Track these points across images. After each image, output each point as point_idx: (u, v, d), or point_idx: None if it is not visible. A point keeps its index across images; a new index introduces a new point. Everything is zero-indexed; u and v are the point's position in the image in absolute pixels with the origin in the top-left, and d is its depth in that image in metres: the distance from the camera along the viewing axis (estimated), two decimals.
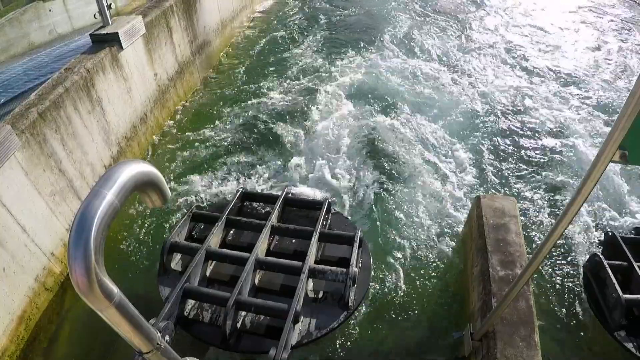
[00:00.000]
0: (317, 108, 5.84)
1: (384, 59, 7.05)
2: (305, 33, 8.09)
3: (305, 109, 5.81)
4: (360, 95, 6.17)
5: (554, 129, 5.68)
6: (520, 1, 9.77)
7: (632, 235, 3.93)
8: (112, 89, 4.24)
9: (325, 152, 5.03)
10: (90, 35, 4.20)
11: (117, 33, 4.24)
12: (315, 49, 7.49)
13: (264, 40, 7.91)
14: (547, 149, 5.33)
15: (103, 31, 4.23)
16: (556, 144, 5.43)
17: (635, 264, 3.38)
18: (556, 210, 4.37)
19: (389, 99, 6.07)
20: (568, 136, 5.54)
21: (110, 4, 4.25)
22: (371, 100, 6.03)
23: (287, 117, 5.61)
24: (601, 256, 3.46)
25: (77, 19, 6.10)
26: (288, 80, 6.55)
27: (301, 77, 6.63)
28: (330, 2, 9.66)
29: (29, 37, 5.82)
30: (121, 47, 4.36)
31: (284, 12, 9.18)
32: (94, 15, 4.21)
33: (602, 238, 3.94)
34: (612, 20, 9.30)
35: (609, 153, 1.63)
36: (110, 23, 4.31)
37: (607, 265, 3.34)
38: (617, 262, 3.46)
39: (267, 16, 9.08)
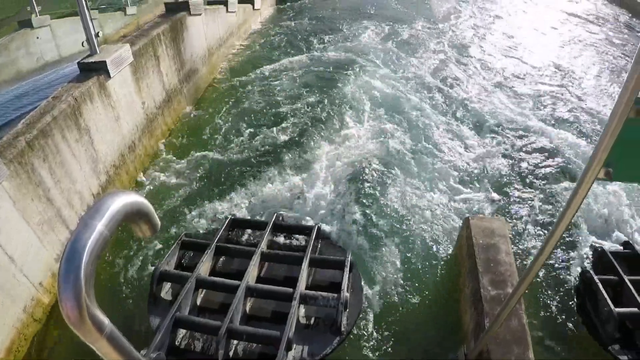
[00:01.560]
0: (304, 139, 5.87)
1: (369, 90, 7.10)
2: (289, 61, 8.17)
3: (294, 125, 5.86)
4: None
5: (543, 147, 5.80)
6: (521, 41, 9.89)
7: (622, 250, 3.98)
8: (100, 117, 4.24)
9: (315, 178, 5.02)
10: (78, 63, 4.23)
11: (104, 61, 4.27)
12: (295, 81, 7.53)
13: (250, 67, 8.02)
14: (536, 167, 5.43)
15: (91, 59, 4.25)
16: (545, 161, 5.53)
17: (626, 278, 3.42)
18: (545, 228, 4.42)
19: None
20: (556, 154, 5.65)
21: (98, 33, 4.28)
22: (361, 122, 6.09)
23: (277, 149, 5.60)
24: (591, 272, 3.51)
25: (65, 46, 6.14)
26: (274, 110, 6.55)
27: (286, 107, 6.66)
28: (313, 30, 9.83)
29: (16, 64, 5.83)
30: (109, 76, 4.38)
31: (269, 39, 9.32)
32: (82, 43, 4.22)
33: (592, 254, 3.99)
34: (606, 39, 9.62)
35: (594, 171, 1.66)
36: (98, 51, 4.34)
37: (598, 281, 3.38)
38: (607, 277, 3.50)
39: (253, 43, 9.19)
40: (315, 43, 8.97)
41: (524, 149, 5.79)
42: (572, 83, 7.80)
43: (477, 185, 5.06)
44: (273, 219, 3.94)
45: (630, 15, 12.76)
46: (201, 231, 4.24)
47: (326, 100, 6.63)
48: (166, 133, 5.84)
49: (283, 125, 6.03)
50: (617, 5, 13.83)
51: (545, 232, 4.34)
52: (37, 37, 6.02)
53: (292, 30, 9.84)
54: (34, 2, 6.29)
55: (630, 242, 4.10)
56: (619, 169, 1.68)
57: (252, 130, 5.96)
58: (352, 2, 12.10)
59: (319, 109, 6.42)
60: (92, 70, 4.22)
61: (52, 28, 6.37)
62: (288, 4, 11.97)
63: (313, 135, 5.79)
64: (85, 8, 3.99)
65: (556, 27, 10.92)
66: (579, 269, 3.88)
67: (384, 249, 4.10)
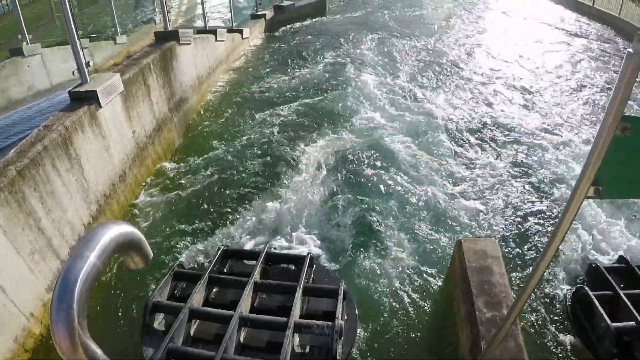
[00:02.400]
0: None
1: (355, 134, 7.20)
2: (278, 91, 8.27)
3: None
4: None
5: (531, 166, 5.93)
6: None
7: (615, 265, 4.04)
8: (90, 146, 4.26)
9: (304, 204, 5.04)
10: (69, 92, 4.28)
11: (95, 91, 4.32)
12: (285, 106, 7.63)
13: (240, 95, 8.12)
14: (525, 186, 5.54)
15: (81, 89, 4.31)
16: (534, 180, 5.64)
17: (621, 292, 3.46)
18: (537, 247, 4.49)
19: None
20: (545, 173, 5.77)
21: (89, 62, 4.34)
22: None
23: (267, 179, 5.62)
24: (586, 288, 3.55)
25: (56, 75, 6.19)
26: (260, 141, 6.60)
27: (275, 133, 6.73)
28: (300, 59, 10.01)
29: (7, 92, 5.86)
30: (99, 105, 4.43)
31: (258, 68, 9.45)
32: (73, 72, 4.27)
33: (587, 270, 4.04)
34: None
35: (583, 189, 1.71)
36: (89, 80, 4.40)
37: (593, 296, 3.42)
38: (603, 292, 3.54)
39: (242, 72, 9.32)
40: (302, 72, 9.11)
41: (511, 168, 5.92)
42: (561, 101, 8.07)
43: (467, 206, 5.12)
44: (265, 249, 3.98)
45: (614, 32, 13.40)
46: (195, 263, 4.24)
47: (312, 121, 6.81)
48: (156, 162, 5.85)
49: (275, 153, 6.09)
50: (600, 22, 14.51)
51: (538, 251, 4.40)
52: (28, 66, 6.08)
53: (280, 58, 10.00)
54: (25, 31, 6.37)
55: (624, 256, 4.17)
56: (607, 186, 1.72)
57: (242, 160, 5.98)
58: (339, 29, 12.39)
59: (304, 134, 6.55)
60: (83, 99, 4.27)
61: (43, 56, 6.44)
62: (276, 32, 12.18)
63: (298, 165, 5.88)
64: (76, 37, 4.06)
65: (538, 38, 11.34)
66: (573, 286, 3.93)
67: (376, 273, 4.11)
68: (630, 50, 1.49)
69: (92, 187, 4.25)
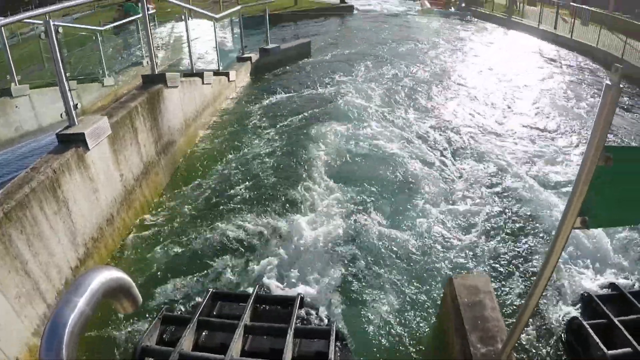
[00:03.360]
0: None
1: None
2: (264, 134, 8.39)
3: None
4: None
5: (518, 199, 6.03)
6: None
7: (609, 292, 4.05)
8: (78, 189, 4.27)
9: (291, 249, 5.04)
10: (57, 134, 4.32)
11: (83, 133, 4.36)
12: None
13: (226, 137, 8.24)
14: (512, 218, 5.66)
15: (69, 131, 4.35)
16: (521, 212, 5.74)
17: (616, 320, 3.47)
18: (528, 280, 4.53)
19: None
20: (533, 205, 5.86)
21: (77, 104, 4.40)
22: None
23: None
24: (580, 318, 3.56)
25: (44, 116, 6.24)
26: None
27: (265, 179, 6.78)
28: (287, 101, 10.20)
29: None
30: (87, 148, 4.46)
31: (244, 111, 9.62)
32: (61, 114, 4.32)
33: (580, 300, 4.05)
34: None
35: (570, 221, 1.78)
36: (77, 123, 4.44)
37: (587, 326, 3.42)
38: (597, 321, 3.55)
39: (229, 115, 9.45)
40: (290, 115, 9.26)
41: (498, 200, 6.08)
42: (544, 131, 8.28)
43: (457, 243, 5.18)
44: (255, 291, 3.98)
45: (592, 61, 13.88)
46: (184, 305, 4.19)
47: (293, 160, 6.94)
48: (144, 205, 5.84)
49: (263, 196, 6.15)
50: (579, 53, 15.06)
51: (529, 284, 4.42)
52: (16, 106, 6.14)
53: (267, 101, 10.20)
54: (14, 71, 6.45)
55: (616, 283, 4.19)
56: (593, 217, 1.79)
57: (232, 203, 6.02)
58: (323, 70, 12.75)
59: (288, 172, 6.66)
60: (71, 141, 4.30)
61: (31, 97, 6.52)
62: (262, 75, 12.45)
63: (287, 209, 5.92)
64: (65, 79, 4.13)
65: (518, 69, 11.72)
66: (567, 317, 3.93)
67: (369, 311, 4.12)
68: (608, 82, 1.58)
69: (79, 230, 4.23)
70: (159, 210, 5.89)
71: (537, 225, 5.49)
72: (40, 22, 4.09)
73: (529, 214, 5.76)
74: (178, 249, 5.07)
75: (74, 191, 4.18)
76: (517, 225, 5.54)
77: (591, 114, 9.42)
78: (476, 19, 24.50)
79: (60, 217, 3.92)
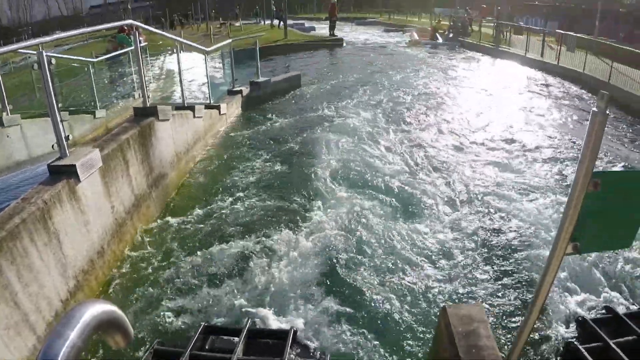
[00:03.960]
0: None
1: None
2: (255, 167, 8.41)
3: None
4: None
5: (508, 225, 6.10)
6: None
7: (604, 315, 4.06)
8: (69, 221, 4.27)
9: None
10: (48, 165, 4.35)
11: (74, 165, 4.39)
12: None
13: (218, 171, 8.29)
14: (505, 246, 5.69)
15: (61, 162, 4.38)
16: (513, 238, 5.80)
17: (611, 342, 3.47)
18: (522, 307, 4.53)
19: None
20: (524, 231, 5.93)
21: (68, 136, 4.45)
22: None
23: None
24: (576, 343, 3.55)
25: (35, 147, 6.28)
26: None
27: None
28: (277, 134, 10.32)
29: None
30: (79, 180, 4.48)
31: (235, 144, 9.70)
32: (52, 145, 4.37)
33: (575, 324, 4.05)
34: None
35: (561, 247, 1.81)
36: (68, 154, 4.48)
37: (583, 350, 3.42)
38: (593, 345, 3.54)
39: (220, 148, 9.53)
40: (280, 147, 9.37)
41: (487, 227, 6.11)
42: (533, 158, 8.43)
43: (449, 272, 5.18)
44: (247, 324, 3.94)
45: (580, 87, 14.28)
46: (174, 340, 4.15)
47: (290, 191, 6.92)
48: (135, 238, 5.84)
49: (256, 228, 6.14)
50: (566, 79, 15.38)
51: (523, 311, 4.43)
52: (8, 136, 6.18)
53: (257, 134, 10.30)
54: (6, 100, 6.51)
55: (610, 306, 4.21)
56: (585, 242, 1.82)
57: (223, 238, 5.97)
58: (313, 101, 13.00)
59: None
60: (62, 173, 4.33)
61: (23, 127, 6.57)
62: (253, 107, 12.59)
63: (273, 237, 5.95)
64: (57, 110, 4.19)
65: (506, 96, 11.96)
66: (562, 342, 3.93)
67: (363, 344, 4.09)
68: (594, 108, 1.63)
69: (70, 262, 4.21)
70: (150, 242, 5.88)
71: (530, 252, 5.51)
72: (34, 52, 4.18)
73: (521, 240, 5.79)
74: (169, 282, 5.03)
75: (65, 223, 4.17)
76: (510, 251, 5.56)
77: (579, 136, 9.61)
78: (464, 49, 25.10)
79: (51, 248, 3.90)
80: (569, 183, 6.98)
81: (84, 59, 10.08)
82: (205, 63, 10.26)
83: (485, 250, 5.65)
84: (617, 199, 1.80)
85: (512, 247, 5.67)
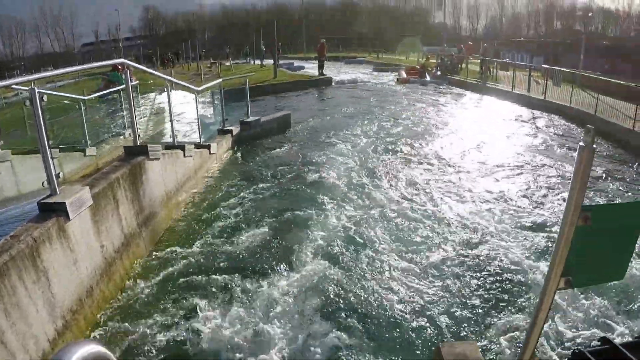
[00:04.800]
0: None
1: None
2: (245, 207, 8.41)
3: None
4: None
5: (498, 258, 6.15)
6: None
7: (600, 346, 4.06)
8: (58, 259, 4.28)
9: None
10: (38, 203, 4.38)
11: (64, 203, 4.43)
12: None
13: (208, 211, 8.28)
14: (496, 282, 5.71)
15: (51, 200, 4.42)
16: (506, 276, 5.82)
17: None
18: (516, 345, 4.51)
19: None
20: (516, 267, 5.97)
21: (59, 173, 4.50)
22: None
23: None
24: None
25: (25, 183, 6.30)
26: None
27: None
28: (268, 173, 10.41)
29: None
30: (68, 218, 4.51)
31: (225, 183, 9.77)
32: (42, 183, 4.42)
33: (571, 356, 4.05)
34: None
35: (554, 282, 1.83)
36: (58, 192, 4.51)
37: None
38: None
39: (210, 187, 9.59)
40: (271, 187, 9.41)
41: (478, 263, 6.15)
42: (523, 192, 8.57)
43: (442, 307, 5.20)
44: None
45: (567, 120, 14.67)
46: None
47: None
48: (125, 278, 5.81)
49: (246, 268, 6.15)
50: (554, 113, 15.78)
51: (518, 347, 4.43)
52: None
53: (248, 174, 10.37)
54: None
55: (607, 337, 4.22)
56: (577, 276, 1.84)
57: (213, 281, 5.92)
58: (302, 140, 13.28)
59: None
60: (52, 210, 4.36)
61: (13, 164, 6.62)
62: (243, 147, 12.71)
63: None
64: (47, 148, 4.26)
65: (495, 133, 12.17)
66: None
67: None
68: (581, 143, 1.67)
69: (58, 301, 4.19)
70: (140, 282, 5.85)
71: (522, 288, 5.55)
72: (26, 88, 4.27)
73: (513, 274, 5.83)
74: (159, 323, 4.98)
75: (54, 261, 4.18)
76: (502, 287, 5.58)
77: (568, 169, 9.81)
78: (452, 86, 25.69)
79: (39, 287, 3.89)
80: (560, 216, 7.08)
81: (75, 96, 10.22)
82: (196, 102, 10.45)
83: (480, 281, 5.69)
84: (608, 232, 1.82)
85: (507, 280, 5.70)
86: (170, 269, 6.21)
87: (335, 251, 6.45)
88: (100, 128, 11.20)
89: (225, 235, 7.24)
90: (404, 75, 29.93)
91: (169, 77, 9.56)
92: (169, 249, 6.80)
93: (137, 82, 14.50)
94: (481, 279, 5.80)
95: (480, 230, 7.10)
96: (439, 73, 29.56)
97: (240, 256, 6.53)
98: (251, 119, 13.65)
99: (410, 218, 7.56)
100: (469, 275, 5.87)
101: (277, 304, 5.26)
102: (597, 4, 73.08)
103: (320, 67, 29.94)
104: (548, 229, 7.01)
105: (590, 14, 62.07)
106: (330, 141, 13.16)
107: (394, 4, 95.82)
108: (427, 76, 29.01)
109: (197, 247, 6.85)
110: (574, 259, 1.76)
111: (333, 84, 27.71)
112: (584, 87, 16.48)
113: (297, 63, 41.61)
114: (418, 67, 31.53)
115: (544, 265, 5.94)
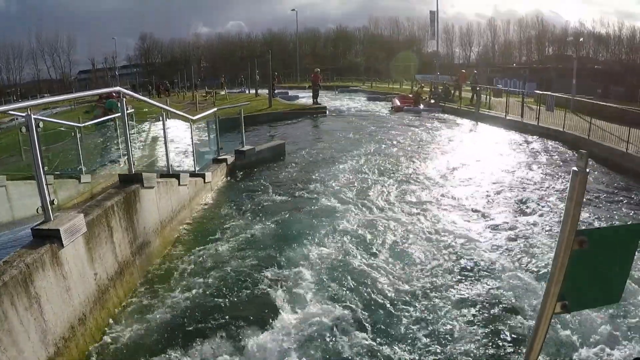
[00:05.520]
0: None
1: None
2: (240, 238, 8.38)
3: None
4: None
5: (495, 286, 6.18)
6: None
7: None
8: (51, 286, 4.28)
9: None
10: (32, 229, 4.42)
11: (58, 230, 4.45)
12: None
13: (202, 240, 8.28)
14: (494, 306, 5.72)
15: (45, 226, 4.44)
16: (502, 300, 5.83)
17: None
18: None
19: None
20: (512, 291, 6.00)
21: (53, 200, 4.54)
22: None
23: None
24: None
25: (19, 209, 6.32)
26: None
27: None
28: (261, 203, 10.44)
29: None
30: (62, 245, 4.53)
31: (220, 212, 9.83)
32: (37, 209, 4.45)
33: None
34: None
35: (550, 307, 1.81)
36: (52, 219, 4.54)
37: None
38: None
39: (205, 216, 9.62)
40: (265, 217, 9.38)
41: (472, 290, 6.16)
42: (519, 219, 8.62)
43: (437, 341, 5.16)
44: None
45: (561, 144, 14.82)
46: None
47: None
48: (118, 306, 5.80)
49: (241, 302, 6.12)
50: (548, 138, 16.03)
51: None
52: None
53: (242, 203, 10.42)
54: None
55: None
56: (573, 300, 1.83)
57: (206, 312, 5.91)
58: (297, 170, 13.31)
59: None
60: (46, 237, 4.38)
61: (8, 189, 6.65)
62: (238, 176, 12.76)
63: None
64: (43, 175, 4.31)
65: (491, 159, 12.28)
66: None
67: None
68: (575, 168, 1.68)
69: (50, 328, 4.17)
70: (133, 311, 5.82)
71: (517, 315, 5.56)
72: (22, 114, 4.35)
73: (508, 300, 5.86)
74: (151, 354, 4.96)
75: (47, 288, 4.18)
76: (497, 313, 5.60)
77: (563, 192, 9.92)
78: (446, 114, 26.01)
79: (32, 313, 3.89)
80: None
81: (71, 123, 10.33)
82: (191, 131, 10.56)
83: (475, 309, 5.69)
84: (603, 256, 1.82)
85: (502, 306, 5.71)
86: (164, 299, 6.15)
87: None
88: (96, 155, 11.30)
89: (219, 266, 7.18)
90: (398, 103, 30.26)
91: (164, 106, 9.72)
92: (162, 279, 6.76)
93: (133, 110, 14.68)
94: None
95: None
96: (432, 101, 29.99)
97: (234, 288, 6.47)
98: (246, 148, 13.76)
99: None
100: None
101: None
102: (588, 28, 75.02)
103: (315, 96, 30.37)
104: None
105: (581, 39, 63.45)
106: (325, 171, 13.24)
107: (387, 33, 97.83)
108: (421, 104, 29.37)
109: (191, 278, 6.79)
110: (571, 283, 1.76)
111: (327, 112, 28.03)
112: (577, 111, 16.75)
113: (291, 92, 42.19)
114: (411, 95, 31.95)
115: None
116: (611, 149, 13.24)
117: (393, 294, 6.05)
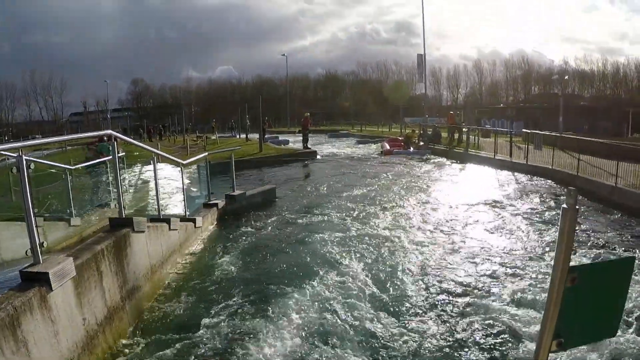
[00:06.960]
0: None
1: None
2: (231, 282, 8.34)
3: None
4: None
5: (491, 325, 6.13)
6: None
7: None
8: (39, 330, 4.25)
9: None
10: (20, 271, 4.41)
11: (47, 273, 4.45)
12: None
13: (192, 286, 8.21)
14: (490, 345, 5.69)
15: (33, 269, 4.44)
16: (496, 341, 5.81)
17: None
18: None
19: None
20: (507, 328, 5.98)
21: (43, 242, 4.55)
22: None
23: None
24: None
25: (7, 251, 6.25)
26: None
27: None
28: (254, 248, 10.43)
29: None
30: (50, 288, 4.51)
31: (211, 257, 9.76)
32: (26, 252, 4.46)
33: None
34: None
35: (546, 345, 1.85)
36: (41, 261, 4.54)
37: None
38: None
39: (195, 262, 9.55)
40: (256, 264, 9.37)
41: (467, 327, 6.11)
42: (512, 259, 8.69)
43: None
44: None
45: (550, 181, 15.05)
46: None
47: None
48: (106, 353, 5.71)
49: (231, 347, 6.00)
50: (537, 175, 16.27)
51: None
52: None
53: (233, 248, 10.37)
54: None
55: None
56: (568, 337, 1.85)
57: (193, 356, 5.83)
58: (288, 215, 13.28)
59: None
60: (34, 280, 4.36)
61: None
62: (228, 220, 12.75)
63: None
64: (32, 217, 4.34)
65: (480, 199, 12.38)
66: None
67: None
68: (564, 205, 1.72)
69: None
70: (122, 358, 5.74)
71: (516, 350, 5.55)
72: (13, 155, 4.40)
73: (504, 336, 5.82)
74: None
75: (34, 332, 4.13)
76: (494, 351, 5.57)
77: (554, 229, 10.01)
78: (436, 156, 26.37)
79: (19, 357, 3.85)
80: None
81: (62, 165, 10.36)
82: (182, 175, 10.65)
83: (470, 348, 5.63)
84: (596, 291, 1.85)
85: (498, 343, 5.66)
86: (153, 346, 6.02)
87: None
88: (86, 198, 11.30)
89: (210, 310, 7.10)
90: (387, 147, 30.68)
91: (155, 150, 9.81)
92: (152, 325, 6.66)
93: (124, 153, 14.78)
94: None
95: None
96: (421, 144, 30.44)
97: (225, 334, 6.33)
98: (237, 192, 13.84)
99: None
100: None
101: None
102: (572, 66, 77.24)
103: (305, 140, 30.74)
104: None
105: (566, 77, 65.11)
106: (315, 215, 13.25)
107: (376, 77, 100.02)
108: (410, 147, 29.78)
109: (182, 322, 6.71)
110: (565, 320, 1.78)
111: (318, 157, 28.34)
112: (565, 148, 17.06)
113: (281, 137, 42.72)
114: (401, 138, 32.45)
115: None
116: (600, 184, 13.44)
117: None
